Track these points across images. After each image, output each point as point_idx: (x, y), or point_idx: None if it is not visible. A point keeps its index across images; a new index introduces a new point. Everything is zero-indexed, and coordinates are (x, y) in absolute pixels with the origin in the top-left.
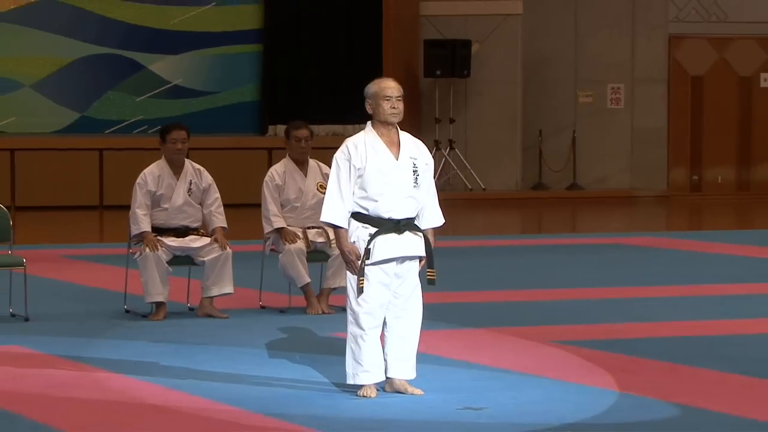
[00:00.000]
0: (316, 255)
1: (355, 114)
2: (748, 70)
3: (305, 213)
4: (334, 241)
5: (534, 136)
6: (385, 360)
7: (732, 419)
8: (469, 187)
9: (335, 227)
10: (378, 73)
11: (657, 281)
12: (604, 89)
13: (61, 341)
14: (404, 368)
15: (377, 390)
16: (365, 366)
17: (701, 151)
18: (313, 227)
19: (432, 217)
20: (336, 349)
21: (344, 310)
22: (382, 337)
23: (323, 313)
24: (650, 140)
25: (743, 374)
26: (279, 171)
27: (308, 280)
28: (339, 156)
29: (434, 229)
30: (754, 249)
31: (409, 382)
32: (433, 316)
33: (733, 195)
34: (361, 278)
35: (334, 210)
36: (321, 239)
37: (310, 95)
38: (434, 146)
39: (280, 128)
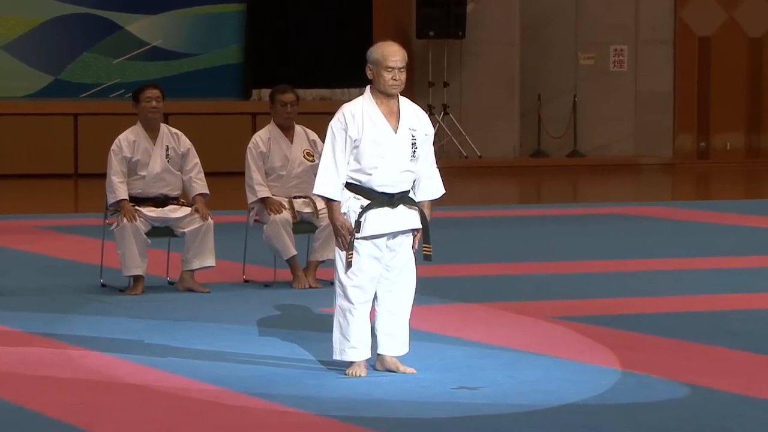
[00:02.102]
0: (303, 226)
1: (344, 77)
2: (759, 30)
3: (291, 182)
4: (321, 212)
5: (533, 101)
6: (375, 336)
7: (740, 398)
8: (464, 154)
9: (328, 200)
10: (368, 34)
11: (662, 253)
12: (606, 51)
13: (33, 317)
14: (395, 344)
15: (367, 368)
16: (353, 342)
17: (709, 116)
18: (300, 197)
19: (430, 188)
20: (324, 326)
21: (332, 284)
22: (372, 312)
23: (310, 287)
24: (655, 105)
25: (752, 351)
26: (263, 137)
27: (294, 252)
28: (335, 124)
29: (431, 201)
30: (764, 219)
31: (401, 359)
32: (425, 290)
33: (742, 162)
34: (350, 252)
35: (328, 182)
36: (308, 209)
37: (297, 57)
38: (427, 111)
39: (265, 92)
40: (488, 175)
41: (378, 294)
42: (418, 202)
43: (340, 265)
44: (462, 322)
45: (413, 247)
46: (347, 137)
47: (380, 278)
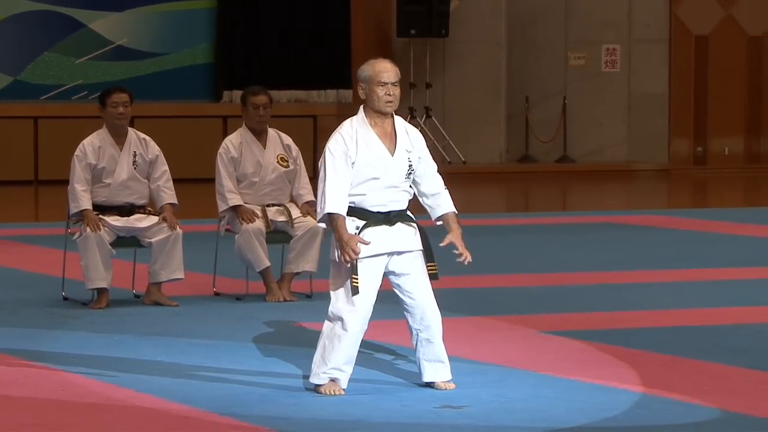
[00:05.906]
0: (277, 236)
1: (320, 78)
2: (758, 28)
3: (264, 189)
4: (296, 221)
5: (520, 103)
6: (418, 363)
7: (740, 417)
8: (448, 159)
9: (335, 216)
10: (346, 32)
11: (657, 264)
12: (598, 50)
13: None
14: (443, 370)
15: (342, 388)
16: (329, 367)
17: (706, 119)
18: (273, 205)
19: (445, 200)
20: (299, 341)
21: (307, 297)
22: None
23: (284, 300)
24: (649, 107)
25: (753, 368)
26: (235, 142)
27: (268, 263)
28: (333, 146)
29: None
30: (765, 228)
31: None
32: None
33: (742, 168)
34: (355, 276)
35: (339, 198)
36: (282, 218)
37: (271, 57)
38: (409, 114)
39: (236, 94)
40: (473, 181)
41: (411, 325)
42: (443, 216)
43: (338, 287)
44: (446, 336)
45: (464, 249)
46: (347, 157)
47: (405, 306)
